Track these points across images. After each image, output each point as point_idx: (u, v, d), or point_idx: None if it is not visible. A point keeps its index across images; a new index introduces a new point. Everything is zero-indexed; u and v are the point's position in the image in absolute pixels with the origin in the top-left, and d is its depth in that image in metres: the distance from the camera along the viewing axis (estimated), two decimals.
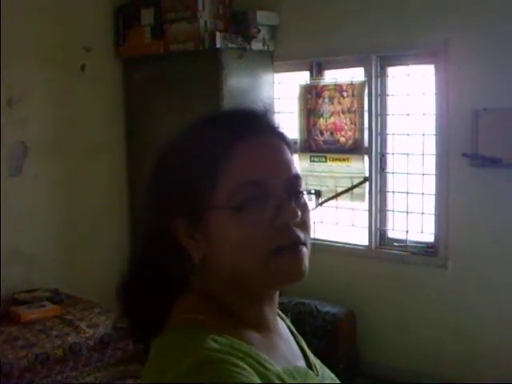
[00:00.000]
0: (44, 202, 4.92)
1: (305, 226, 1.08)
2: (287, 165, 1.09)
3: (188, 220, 1.07)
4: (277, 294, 1.16)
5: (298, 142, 4.95)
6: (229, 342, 1.01)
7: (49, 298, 4.48)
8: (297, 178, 1.09)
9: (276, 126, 1.14)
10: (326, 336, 4.45)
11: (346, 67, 4.91)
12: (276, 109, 5.13)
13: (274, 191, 1.05)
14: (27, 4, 4.76)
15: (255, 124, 1.11)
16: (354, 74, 4.82)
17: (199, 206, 1.06)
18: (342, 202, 4.87)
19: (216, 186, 1.05)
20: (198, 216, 1.07)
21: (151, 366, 1.03)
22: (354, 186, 4.70)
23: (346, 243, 4.87)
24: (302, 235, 1.07)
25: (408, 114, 4.59)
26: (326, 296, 4.68)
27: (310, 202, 1.13)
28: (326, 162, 4.83)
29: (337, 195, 4.78)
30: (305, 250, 1.07)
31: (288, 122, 5.03)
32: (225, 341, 1.00)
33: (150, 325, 1.12)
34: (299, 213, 1.06)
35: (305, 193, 1.11)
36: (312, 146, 4.90)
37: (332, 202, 4.84)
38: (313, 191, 1.15)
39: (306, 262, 1.07)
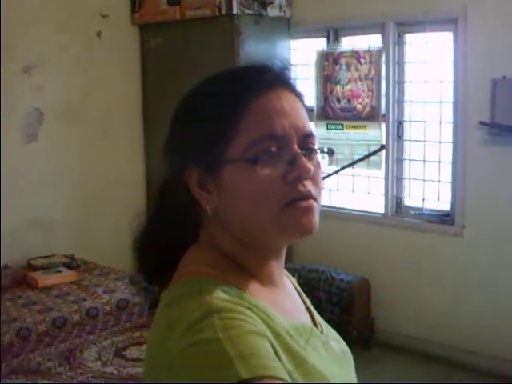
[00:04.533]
0: (60, 168, 4.93)
1: (316, 182, 1.08)
2: (302, 122, 1.08)
3: (201, 171, 1.07)
4: (284, 250, 1.15)
5: (315, 109, 4.92)
6: (237, 293, 1.02)
7: (65, 264, 4.52)
8: (311, 136, 1.09)
9: (293, 82, 1.13)
10: (340, 303, 4.47)
11: (363, 34, 4.87)
12: (292, 75, 5.09)
13: (288, 146, 1.05)
14: None
15: (272, 78, 1.09)
16: (371, 41, 4.78)
17: (214, 158, 1.06)
18: (359, 169, 4.86)
19: (232, 138, 1.05)
20: (212, 167, 1.06)
21: (160, 318, 1.02)
22: (370, 154, 4.68)
23: (362, 211, 4.86)
24: (313, 190, 1.07)
25: (425, 82, 4.55)
26: (341, 263, 4.69)
27: (323, 160, 1.13)
28: (342, 129, 4.81)
29: (353, 163, 4.76)
30: (315, 205, 1.07)
31: (304, 88, 5.01)
32: (233, 292, 1.01)
33: (163, 278, 1.12)
34: (312, 168, 1.06)
35: (318, 151, 1.10)
36: (329, 114, 4.88)
37: (348, 170, 4.83)
38: (325, 150, 1.15)
39: (317, 216, 1.07)
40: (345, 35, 4.97)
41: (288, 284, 1.22)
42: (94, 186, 5.10)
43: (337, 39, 4.98)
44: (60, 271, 4.39)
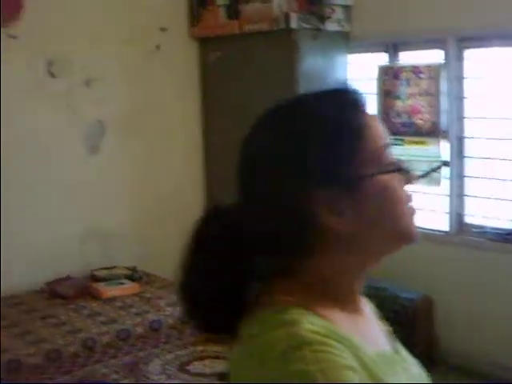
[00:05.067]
0: (121, 179, 5.00)
1: None
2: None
3: (332, 193, 1.04)
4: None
5: None
6: (324, 324, 1.01)
7: (127, 276, 4.56)
8: None
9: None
10: (403, 321, 4.43)
11: (423, 49, 4.84)
12: None
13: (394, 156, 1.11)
14: None
15: (361, 98, 1.13)
16: (431, 56, 4.75)
17: (351, 176, 1.05)
18: (417, 186, 4.82)
19: (361, 152, 1.06)
20: (350, 186, 1.05)
21: (244, 349, 1.02)
22: (433, 170, 4.64)
23: (423, 228, 4.82)
24: None
25: (487, 98, 4.51)
26: (404, 281, 4.65)
27: None
28: (403, 144, 4.79)
29: (421, 176, 4.72)
30: None
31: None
32: (320, 322, 1.01)
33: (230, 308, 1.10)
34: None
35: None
36: (389, 129, 4.84)
37: (408, 186, 4.78)
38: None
39: None
40: (403, 50, 4.94)
41: (367, 309, 1.22)
42: (154, 197, 5.15)
43: (395, 53, 4.96)
44: (123, 283, 4.43)
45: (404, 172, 1.10)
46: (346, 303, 1.11)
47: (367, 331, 1.13)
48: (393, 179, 1.08)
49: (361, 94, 1.14)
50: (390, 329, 1.26)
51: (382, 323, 1.26)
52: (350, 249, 1.08)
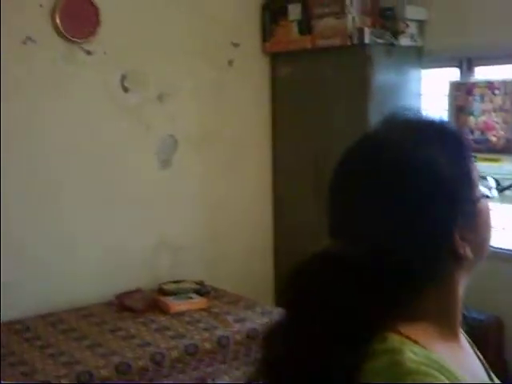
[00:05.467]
0: (191, 194, 5.04)
1: None
2: None
3: (460, 218, 1.09)
4: None
5: None
6: (425, 353, 1.00)
7: (195, 290, 4.58)
8: None
9: None
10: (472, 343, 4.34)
11: (498, 64, 4.75)
12: (423, 105, 5.04)
13: None
14: (175, 1, 4.88)
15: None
16: (506, 71, 4.65)
17: (472, 202, 1.12)
18: (491, 203, 4.71)
19: (470, 182, 1.13)
20: (472, 212, 1.12)
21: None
22: (507, 187, 4.54)
23: (495, 247, 4.72)
24: None
25: None
26: (473, 301, 4.54)
27: None
28: (476, 161, 4.69)
29: (503, 189, 4.63)
30: None
31: None
32: (420, 351, 0.99)
33: None
34: None
35: None
36: None
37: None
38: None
39: None
40: (478, 64, 4.85)
41: (463, 339, 1.19)
42: (224, 211, 5.18)
43: (470, 69, 4.87)
44: (191, 297, 4.46)
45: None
46: (449, 333, 1.11)
47: (465, 360, 1.12)
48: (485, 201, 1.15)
49: (461, 134, 1.25)
50: (480, 355, 1.24)
51: (476, 351, 1.23)
52: (468, 274, 1.14)
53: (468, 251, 1.09)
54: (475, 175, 1.14)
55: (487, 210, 1.16)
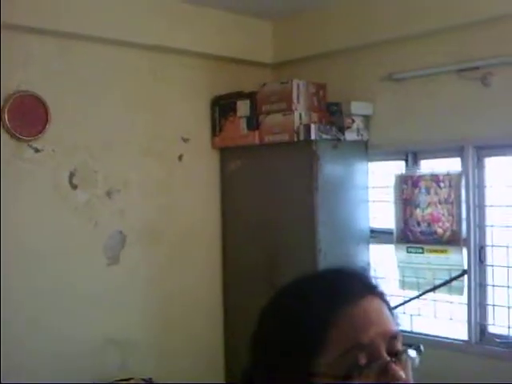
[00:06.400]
0: (140, 290, 4.99)
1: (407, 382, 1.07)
2: (388, 325, 1.09)
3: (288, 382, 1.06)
4: None
5: (395, 232, 4.89)
6: None
7: None
8: (397, 336, 1.09)
9: (374, 285, 1.15)
10: None
11: (443, 157, 4.86)
12: (370, 198, 5.12)
13: (377, 354, 1.04)
14: (127, 96, 4.95)
15: (356, 286, 1.11)
16: (451, 164, 4.77)
17: (302, 372, 1.04)
18: (440, 294, 4.75)
19: (320, 352, 1.03)
20: (299, 380, 1.05)
21: None
22: (452, 279, 4.59)
23: (444, 337, 4.73)
24: None
25: (508, 206, 4.49)
26: None
27: (413, 356, 1.10)
28: (423, 253, 4.75)
29: (435, 288, 4.68)
30: None
31: (383, 211, 5.01)
32: None
33: None
34: (403, 376, 1.04)
35: (406, 350, 1.09)
36: (409, 237, 4.83)
37: (430, 295, 4.74)
38: (413, 347, 1.12)
39: None
40: (423, 158, 4.97)
41: None
42: (173, 308, 5.12)
43: (415, 162, 4.99)
44: None
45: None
46: None
47: None
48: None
49: (359, 278, 1.15)
50: None
51: None
52: None
53: None
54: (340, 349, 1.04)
55: None
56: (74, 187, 4.71)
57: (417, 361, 1.10)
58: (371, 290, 1.13)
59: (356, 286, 1.11)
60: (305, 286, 1.15)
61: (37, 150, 4.56)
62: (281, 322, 1.10)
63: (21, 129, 4.47)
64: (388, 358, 1.04)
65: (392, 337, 1.08)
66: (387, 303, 1.14)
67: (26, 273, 4.48)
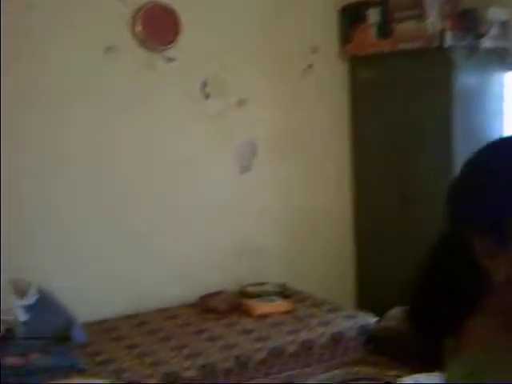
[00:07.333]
0: (272, 198, 5.07)
1: None
2: None
3: (489, 238, 1.03)
4: None
5: None
6: (509, 374, 0.99)
7: (278, 293, 4.58)
8: None
9: None
10: None
11: None
12: (506, 109, 4.94)
13: None
14: (253, 7, 4.92)
15: None
16: None
17: (506, 223, 1.02)
18: None
19: None
20: (503, 233, 1.02)
21: None
22: None
23: None
24: None
25: None
26: None
27: None
28: None
29: None
30: None
31: None
32: (505, 373, 0.99)
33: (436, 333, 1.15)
34: None
35: None
36: None
37: None
38: None
39: None
40: None
41: None
42: (304, 215, 5.18)
43: None
44: (274, 300, 4.46)
45: None
46: None
47: None
48: None
49: None
50: None
51: None
52: None
53: (498, 273, 1.04)
54: None
55: None
56: (207, 96, 4.76)
57: None
58: None
59: None
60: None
61: (169, 60, 4.60)
62: (489, 179, 1.06)
63: (153, 39, 4.52)
64: None
65: None
66: None
67: (159, 179, 4.62)
